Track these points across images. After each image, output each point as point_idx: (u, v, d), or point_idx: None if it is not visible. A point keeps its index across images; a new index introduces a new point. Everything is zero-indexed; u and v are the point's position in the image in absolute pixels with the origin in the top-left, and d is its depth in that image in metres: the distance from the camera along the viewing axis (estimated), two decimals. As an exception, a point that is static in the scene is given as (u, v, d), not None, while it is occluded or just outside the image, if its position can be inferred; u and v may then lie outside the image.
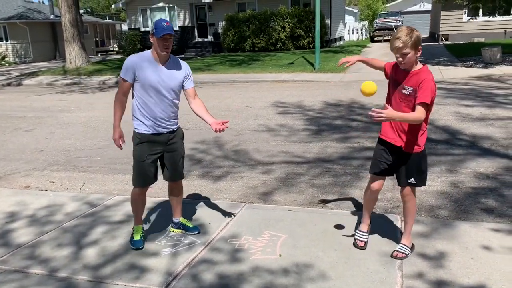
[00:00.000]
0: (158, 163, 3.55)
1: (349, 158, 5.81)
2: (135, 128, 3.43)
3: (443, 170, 5.17)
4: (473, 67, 14.13)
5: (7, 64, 25.58)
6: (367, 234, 3.44)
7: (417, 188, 4.64)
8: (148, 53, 3.30)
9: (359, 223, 3.78)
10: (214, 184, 5.14)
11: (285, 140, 6.86)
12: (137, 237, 3.59)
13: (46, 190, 5.14)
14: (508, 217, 3.90)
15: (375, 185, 3.32)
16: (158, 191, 4.95)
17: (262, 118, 8.48)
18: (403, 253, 3.22)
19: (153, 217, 4.12)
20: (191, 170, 5.66)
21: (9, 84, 16.48)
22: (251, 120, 8.39)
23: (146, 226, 3.93)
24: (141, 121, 3.39)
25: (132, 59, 3.27)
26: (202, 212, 4.18)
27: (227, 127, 3.39)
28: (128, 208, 4.27)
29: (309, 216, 4.01)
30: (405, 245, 3.26)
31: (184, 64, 3.45)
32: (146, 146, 3.41)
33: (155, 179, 3.53)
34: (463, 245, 3.36)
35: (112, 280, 3.10)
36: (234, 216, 4.07)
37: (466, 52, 17.61)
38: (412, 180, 3.15)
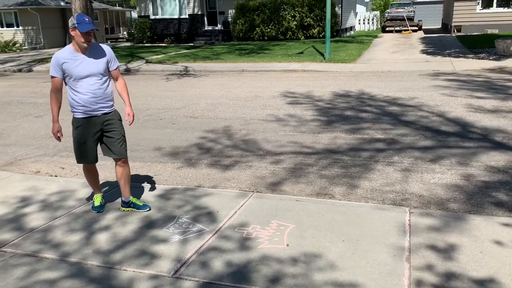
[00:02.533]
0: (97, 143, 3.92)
1: (358, 150, 5.78)
2: (73, 113, 3.79)
3: (453, 163, 5.13)
4: (485, 59, 13.92)
5: (18, 50, 25.70)
6: None
7: (426, 181, 4.65)
8: (69, 47, 3.64)
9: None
10: (223, 173, 5.15)
11: (294, 131, 6.84)
12: (97, 203, 4.06)
13: (56, 176, 5.20)
14: (518, 211, 3.87)
15: None
16: (167, 179, 4.99)
17: (271, 108, 8.45)
18: None
19: (161, 204, 4.14)
20: (200, 159, 5.68)
21: (20, 70, 16.58)
22: (259, 109, 8.37)
23: (155, 214, 3.96)
24: (75, 108, 3.73)
25: (57, 57, 3.60)
26: (210, 201, 4.20)
27: (130, 124, 3.94)
28: (137, 194, 4.31)
29: (317, 207, 4.01)
30: None
31: (106, 48, 3.78)
32: (84, 129, 3.77)
33: (96, 157, 3.93)
34: (472, 238, 3.34)
35: (122, 266, 3.13)
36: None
37: (479, 44, 17.33)
38: None
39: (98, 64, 3.68)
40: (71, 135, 3.85)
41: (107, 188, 4.61)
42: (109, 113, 3.82)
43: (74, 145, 3.85)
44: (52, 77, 3.65)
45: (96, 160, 3.93)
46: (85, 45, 3.57)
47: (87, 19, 3.53)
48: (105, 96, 3.76)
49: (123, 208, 4.07)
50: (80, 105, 3.68)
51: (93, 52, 3.67)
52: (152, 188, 4.57)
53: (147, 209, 4.04)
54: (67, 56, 3.60)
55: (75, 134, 3.79)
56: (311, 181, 4.79)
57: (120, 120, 3.91)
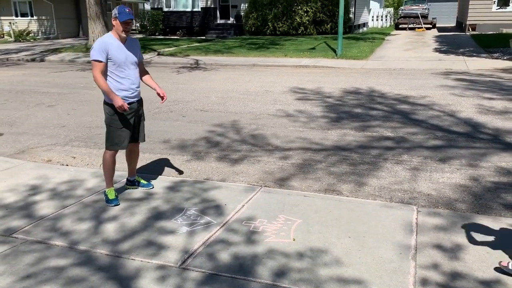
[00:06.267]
0: None
1: (367, 147, 5.77)
2: (108, 101, 3.86)
3: (463, 163, 5.10)
4: (499, 58, 13.74)
5: (31, 40, 25.93)
6: None
7: (435, 180, 4.63)
8: (110, 35, 3.81)
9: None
10: (231, 167, 5.18)
11: (303, 126, 6.84)
12: (112, 196, 4.05)
13: (67, 165, 5.27)
14: (527, 213, 3.84)
15: None
16: (175, 172, 5.02)
17: (281, 103, 8.45)
18: None
19: (170, 196, 4.18)
20: (208, 152, 5.71)
21: (33, 60, 16.75)
22: (269, 104, 8.37)
23: (163, 205, 4.01)
24: (117, 94, 3.82)
25: (104, 41, 3.74)
26: (219, 194, 4.23)
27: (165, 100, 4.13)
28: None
29: (325, 203, 4.02)
30: None
31: (137, 41, 4.04)
32: (122, 115, 3.90)
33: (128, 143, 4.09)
34: (479, 238, 3.33)
35: (129, 255, 3.18)
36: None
37: (494, 43, 17.10)
38: None
39: (136, 54, 3.92)
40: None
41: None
42: (140, 100, 4.07)
43: (111, 131, 3.94)
44: (98, 61, 3.71)
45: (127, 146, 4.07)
46: (124, 34, 3.76)
47: (127, 10, 3.72)
48: (139, 84, 4.02)
49: (128, 187, 4.35)
50: (121, 92, 3.81)
51: (130, 43, 3.90)
52: (161, 180, 4.61)
53: (151, 187, 4.35)
54: (113, 42, 3.76)
55: (114, 121, 3.90)
56: (319, 177, 4.79)
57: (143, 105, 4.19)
